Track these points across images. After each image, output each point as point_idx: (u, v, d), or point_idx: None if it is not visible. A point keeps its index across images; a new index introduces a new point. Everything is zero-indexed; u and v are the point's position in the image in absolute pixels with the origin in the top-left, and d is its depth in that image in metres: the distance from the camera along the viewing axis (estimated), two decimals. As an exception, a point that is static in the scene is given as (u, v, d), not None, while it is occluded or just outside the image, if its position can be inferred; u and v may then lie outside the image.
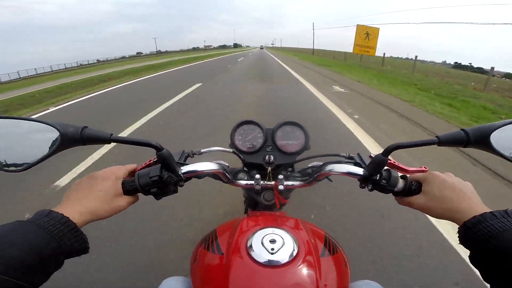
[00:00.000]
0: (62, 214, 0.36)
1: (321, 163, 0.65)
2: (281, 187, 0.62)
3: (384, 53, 17.09)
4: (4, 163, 0.39)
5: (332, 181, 0.66)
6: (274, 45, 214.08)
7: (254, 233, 0.48)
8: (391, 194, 0.51)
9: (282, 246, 0.45)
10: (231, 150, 0.68)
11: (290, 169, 0.71)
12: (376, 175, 0.50)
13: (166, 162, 0.47)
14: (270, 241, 0.46)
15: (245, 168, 0.71)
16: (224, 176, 0.60)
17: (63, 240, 0.34)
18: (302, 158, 0.69)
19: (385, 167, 0.51)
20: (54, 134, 0.39)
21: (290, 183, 0.65)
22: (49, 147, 0.39)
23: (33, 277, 0.31)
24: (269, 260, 0.43)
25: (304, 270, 0.43)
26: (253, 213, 0.72)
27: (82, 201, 0.41)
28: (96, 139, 0.41)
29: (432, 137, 0.45)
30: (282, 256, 0.43)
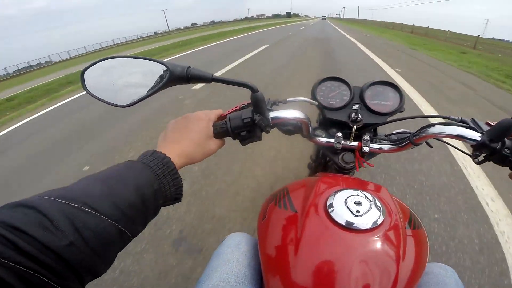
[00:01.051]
0: (164, 154, 0.39)
1: (408, 131, 0.60)
2: (366, 148, 0.60)
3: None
4: (117, 99, 0.46)
5: (432, 147, 0.61)
6: (339, 16, 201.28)
7: (336, 192, 0.48)
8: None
9: (368, 211, 0.44)
10: (316, 102, 0.67)
11: (373, 132, 0.67)
12: (498, 142, 0.45)
13: (258, 105, 0.50)
14: (355, 203, 0.45)
15: (321, 126, 0.70)
16: (307, 128, 0.60)
17: (163, 182, 0.37)
18: (397, 118, 0.63)
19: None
20: (162, 72, 0.44)
21: (376, 146, 0.62)
22: (158, 83, 0.44)
23: (135, 223, 0.33)
24: (351, 223, 0.42)
25: (387, 241, 0.42)
26: (325, 175, 0.67)
27: (179, 143, 0.45)
28: (199, 78, 0.44)
29: None
30: (366, 221, 0.42)
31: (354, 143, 0.63)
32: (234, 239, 0.58)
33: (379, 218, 0.43)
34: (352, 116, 0.63)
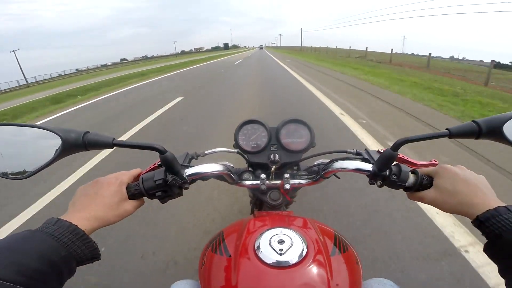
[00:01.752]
0: (70, 222, 0.40)
1: (326, 161, 0.69)
2: (287, 186, 0.67)
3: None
4: (7, 171, 0.44)
5: (339, 178, 0.71)
6: (275, 45, 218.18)
7: (261, 234, 0.52)
8: (401, 189, 0.55)
9: (290, 246, 0.49)
10: (235, 150, 0.74)
11: (295, 167, 0.76)
12: (386, 170, 0.54)
13: (170, 165, 0.52)
14: (278, 242, 0.50)
15: (250, 168, 0.76)
16: (229, 177, 0.65)
17: (72, 247, 0.38)
18: (308, 156, 0.73)
19: (395, 162, 0.55)
20: (56, 140, 0.43)
21: (296, 181, 0.70)
22: (52, 154, 0.43)
23: (47, 284, 0.34)
24: (277, 261, 0.47)
25: (314, 270, 0.47)
26: (259, 214, 0.77)
27: (89, 208, 0.46)
28: (98, 144, 0.45)
29: (442, 130, 0.48)
30: (291, 257, 0.47)
31: (277, 182, 0.70)
32: (179, 287, 0.60)
33: (303, 250, 0.48)
34: (271, 157, 0.70)
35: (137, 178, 0.55)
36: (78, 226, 0.40)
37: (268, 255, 0.48)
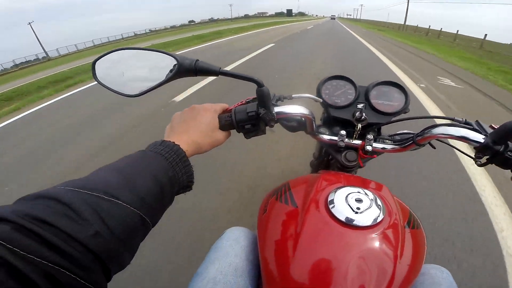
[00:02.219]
0: (173, 142, 0.43)
1: (412, 132, 0.65)
2: (369, 147, 0.65)
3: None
4: (126, 89, 0.52)
5: (435, 148, 0.65)
6: (350, 17, 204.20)
7: (337, 189, 0.52)
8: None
9: (368, 208, 0.48)
10: (320, 99, 0.72)
11: (376, 132, 0.72)
12: (501, 145, 0.49)
13: (263, 99, 0.55)
14: (356, 200, 0.49)
15: (324, 124, 0.75)
16: (311, 124, 0.66)
17: (176, 169, 0.40)
18: (402, 118, 0.69)
19: None
20: (172, 63, 0.49)
21: (380, 145, 0.67)
22: (166, 75, 0.49)
23: (155, 211, 0.36)
24: (351, 219, 0.46)
25: (386, 238, 0.46)
26: (327, 172, 0.73)
27: (187, 132, 0.49)
28: (207, 71, 0.49)
29: None
30: (366, 218, 0.47)
31: (358, 142, 0.68)
32: (233, 233, 0.63)
33: (379, 216, 0.47)
34: (357, 114, 0.68)
35: (226, 111, 0.59)
36: (181, 147, 0.43)
37: (342, 211, 0.48)
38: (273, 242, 0.52)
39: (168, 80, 0.49)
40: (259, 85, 0.53)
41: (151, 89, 0.50)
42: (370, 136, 0.66)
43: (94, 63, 0.52)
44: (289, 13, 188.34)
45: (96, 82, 0.53)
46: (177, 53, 0.52)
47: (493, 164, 0.51)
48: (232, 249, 0.58)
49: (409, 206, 0.61)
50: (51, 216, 0.26)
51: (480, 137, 0.51)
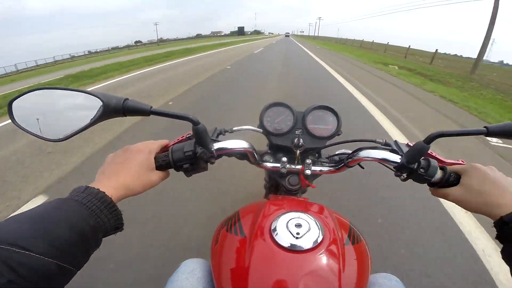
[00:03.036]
0: (98, 189, 0.44)
1: (349, 151, 0.75)
2: (308, 171, 0.74)
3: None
4: (48, 133, 0.51)
5: (364, 168, 0.76)
6: (304, 34, 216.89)
7: (279, 217, 0.58)
8: (425, 184, 0.60)
9: (307, 232, 0.54)
10: (261, 130, 0.80)
11: (316, 155, 0.82)
12: (414, 163, 0.59)
13: (200, 137, 0.58)
14: (295, 225, 0.55)
15: (270, 151, 0.83)
16: (252, 156, 0.72)
17: (100, 216, 0.41)
18: (334, 142, 0.79)
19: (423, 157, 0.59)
20: (97, 104, 0.49)
21: (318, 168, 0.76)
22: (91, 117, 0.49)
23: (76, 258, 0.37)
24: (293, 244, 0.52)
25: (328, 258, 0.52)
26: (275, 197, 0.83)
27: (117, 175, 0.50)
28: (136, 111, 0.51)
29: (480, 128, 0.52)
30: (307, 242, 0.52)
31: (298, 167, 0.76)
32: (188, 266, 0.65)
33: (318, 236, 0.53)
34: (295, 141, 0.76)
35: (164, 149, 0.61)
36: (106, 194, 0.44)
37: (284, 237, 0.53)
38: (227, 272, 0.56)
39: (93, 122, 0.50)
40: (194, 123, 0.56)
41: (76, 133, 0.50)
42: (308, 161, 0.75)
43: (10, 103, 0.50)
44: (241, 31, 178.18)
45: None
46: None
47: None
48: (187, 282, 0.60)
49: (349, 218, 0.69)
50: None
51: (397, 158, 0.62)
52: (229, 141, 0.65)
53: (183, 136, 0.65)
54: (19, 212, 0.38)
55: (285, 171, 0.76)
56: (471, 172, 0.53)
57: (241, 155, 0.73)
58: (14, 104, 0.51)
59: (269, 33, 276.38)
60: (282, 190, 0.84)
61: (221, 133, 0.72)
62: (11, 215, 0.37)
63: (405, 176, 0.62)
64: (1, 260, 0.30)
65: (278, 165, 0.77)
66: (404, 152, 0.62)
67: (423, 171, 0.58)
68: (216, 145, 0.63)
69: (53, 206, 0.39)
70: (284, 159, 0.76)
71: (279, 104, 0.83)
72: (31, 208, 0.39)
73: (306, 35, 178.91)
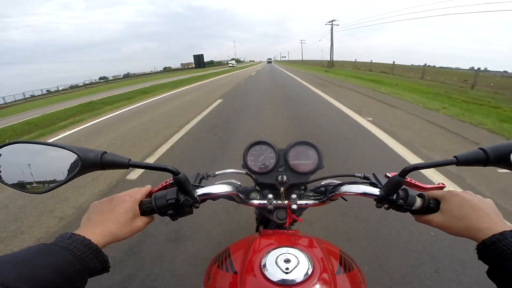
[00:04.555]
0: (84, 236, 0.50)
1: (334, 182, 0.85)
2: (294, 206, 0.82)
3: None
4: (27, 186, 0.58)
5: (347, 200, 0.86)
6: (285, 59, 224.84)
7: (268, 252, 0.64)
8: (408, 212, 0.68)
9: (296, 266, 0.60)
10: (244, 171, 0.90)
11: (302, 187, 0.91)
12: (393, 195, 0.68)
13: (182, 186, 0.66)
14: (284, 261, 0.61)
15: (257, 188, 0.92)
16: (238, 197, 0.81)
17: (85, 261, 0.47)
18: (315, 178, 0.89)
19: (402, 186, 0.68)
20: (74, 159, 0.56)
21: (303, 202, 0.86)
22: (69, 172, 0.56)
23: None
24: (283, 279, 0.57)
25: None
26: (265, 232, 0.94)
27: (103, 223, 0.57)
28: (115, 164, 0.58)
29: (450, 158, 0.60)
30: (297, 275, 0.58)
31: (285, 202, 0.85)
32: None
33: (308, 269, 0.59)
34: (279, 178, 0.85)
35: (149, 195, 0.69)
36: (92, 241, 0.50)
37: (274, 273, 0.59)
38: None
39: (72, 177, 0.56)
40: (174, 173, 0.64)
41: (56, 186, 0.57)
42: (294, 196, 0.84)
43: None
44: (199, 62, 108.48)
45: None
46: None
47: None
48: None
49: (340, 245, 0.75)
50: None
51: (376, 191, 0.71)
52: (212, 186, 0.74)
53: (167, 182, 0.73)
54: (3, 255, 0.42)
55: (272, 208, 0.84)
56: (449, 198, 0.61)
57: (227, 197, 0.80)
58: None
59: (250, 61, 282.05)
60: (272, 224, 0.92)
61: (204, 178, 0.81)
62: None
63: (387, 207, 0.70)
64: None
65: (265, 201, 0.85)
66: (383, 184, 0.71)
67: (402, 201, 0.67)
68: (200, 191, 0.71)
69: (36, 252, 0.44)
70: (270, 195, 0.84)
71: (261, 143, 0.93)
72: (14, 252, 0.43)
73: (287, 60, 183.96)
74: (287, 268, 0.59)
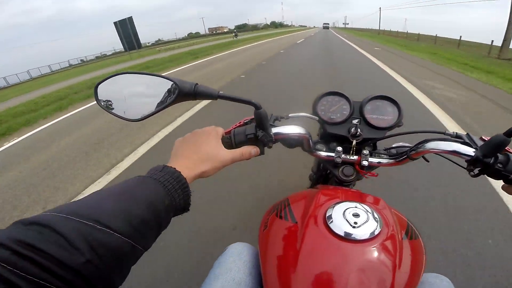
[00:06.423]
0: (174, 168, 0.53)
1: (408, 144, 0.82)
2: (365, 162, 0.82)
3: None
4: (127, 113, 0.65)
5: (428, 161, 0.81)
6: (347, 26, 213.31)
7: (335, 205, 0.66)
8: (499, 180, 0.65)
9: (365, 222, 0.61)
10: (316, 118, 0.90)
11: (372, 146, 0.90)
12: (491, 157, 0.63)
13: (261, 121, 0.70)
14: (353, 215, 0.62)
15: (321, 140, 0.93)
16: (308, 142, 0.82)
17: (174, 196, 0.50)
18: (395, 133, 0.86)
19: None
20: (170, 88, 0.62)
21: (375, 160, 0.84)
22: (164, 100, 0.62)
23: (148, 238, 0.45)
24: (349, 233, 0.58)
25: (384, 250, 0.58)
26: (325, 187, 0.93)
27: (189, 157, 0.60)
28: (206, 95, 0.62)
29: None
30: (364, 232, 0.58)
31: (354, 157, 0.85)
32: (235, 248, 0.77)
33: (376, 229, 0.60)
34: (352, 130, 0.85)
35: (228, 132, 0.73)
36: (182, 174, 0.53)
37: (340, 226, 0.60)
38: (274, 257, 0.65)
39: (168, 104, 0.62)
40: (257, 107, 0.68)
41: (152, 113, 0.63)
42: (366, 152, 0.83)
43: (96, 87, 0.65)
44: (126, 36, 26.60)
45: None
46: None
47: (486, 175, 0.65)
48: (234, 265, 0.71)
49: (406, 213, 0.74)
50: (44, 243, 0.34)
51: (470, 151, 0.66)
52: (287, 126, 0.76)
53: (241, 122, 0.77)
54: (102, 189, 0.46)
55: (339, 161, 0.84)
56: None
57: (296, 141, 0.82)
58: (99, 87, 0.65)
59: (299, 25, 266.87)
60: (334, 181, 0.92)
61: (277, 119, 0.82)
62: (94, 191, 0.45)
63: (478, 172, 0.66)
64: (83, 236, 0.36)
65: (333, 154, 0.86)
66: (478, 145, 0.66)
67: (501, 166, 0.62)
68: (275, 130, 0.74)
69: (134, 183, 0.48)
70: (339, 148, 0.85)
71: (334, 93, 0.93)
72: (114, 184, 0.47)
73: (350, 27, 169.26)
74: (355, 223, 0.60)
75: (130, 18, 25.29)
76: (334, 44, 21.06)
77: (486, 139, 0.67)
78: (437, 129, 0.78)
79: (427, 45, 20.08)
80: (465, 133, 0.74)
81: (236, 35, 45.38)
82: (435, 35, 25.53)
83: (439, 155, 0.75)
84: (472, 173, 0.68)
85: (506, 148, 0.64)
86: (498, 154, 0.63)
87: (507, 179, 0.64)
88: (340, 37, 33.25)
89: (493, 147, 0.63)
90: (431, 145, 0.72)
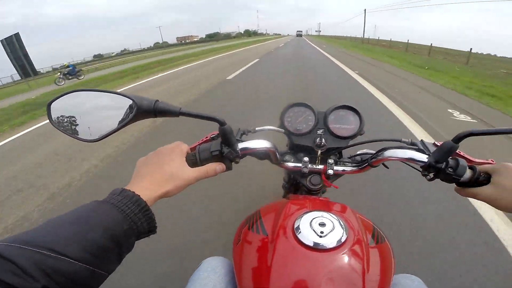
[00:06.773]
0: (133, 192, 0.51)
1: (371, 151, 0.85)
2: (330, 171, 0.85)
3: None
4: (81, 133, 0.62)
5: (388, 168, 0.86)
6: (320, 33, 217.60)
7: (302, 215, 0.67)
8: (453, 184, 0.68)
9: (331, 231, 0.63)
10: (282, 130, 0.92)
11: (337, 155, 0.93)
12: (443, 162, 0.67)
13: (226, 137, 0.69)
14: (319, 224, 0.64)
15: (290, 151, 0.95)
16: (274, 156, 0.83)
17: (133, 220, 0.49)
18: (357, 142, 0.91)
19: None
20: (128, 105, 0.59)
21: (340, 168, 0.88)
22: (123, 119, 0.60)
23: (108, 262, 0.44)
24: (316, 243, 0.60)
25: (352, 257, 0.59)
26: (296, 197, 0.97)
27: (151, 177, 0.58)
28: (166, 112, 0.61)
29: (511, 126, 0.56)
30: (331, 240, 0.61)
31: (320, 166, 0.88)
32: (210, 263, 0.76)
33: (342, 236, 0.62)
34: (317, 141, 0.88)
35: (193, 148, 0.72)
36: (141, 197, 0.51)
37: (308, 236, 0.62)
38: (248, 271, 0.66)
39: (127, 123, 0.60)
40: (221, 124, 0.67)
41: (110, 133, 0.61)
42: (331, 161, 0.87)
43: (49, 104, 0.61)
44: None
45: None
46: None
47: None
48: (209, 280, 0.70)
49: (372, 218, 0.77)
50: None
51: (424, 157, 0.71)
52: (253, 141, 0.76)
53: (207, 137, 0.76)
54: (58, 216, 0.45)
55: (306, 171, 0.87)
56: (503, 171, 0.61)
57: (263, 155, 0.83)
58: (52, 105, 0.62)
59: (274, 34, 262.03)
60: (303, 190, 0.96)
61: (244, 133, 0.83)
62: (49, 219, 0.44)
63: (432, 176, 0.70)
64: (37, 264, 0.36)
65: (300, 165, 0.88)
66: (431, 151, 0.70)
67: (451, 170, 0.66)
68: (241, 145, 0.74)
69: (89, 209, 0.47)
70: (306, 158, 0.88)
71: (299, 104, 0.95)
72: (71, 210, 0.47)
73: (323, 35, 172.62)
74: (321, 232, 0.62)
75: (17, 35, 20.48)
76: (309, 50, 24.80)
77: (439, 144, 0.70)
78: (394, 137, 0.84)
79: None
80: (420, 139, 0.79)
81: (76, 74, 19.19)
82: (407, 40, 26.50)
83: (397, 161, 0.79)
84: (428, 177, 0.71)
85: (457, 151, 0.69)
86: (448, 159, 0.67)
87: (458, 182, 0.67)
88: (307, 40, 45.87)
89: (444, 153, 0.67)
90: (389, 153, 0.76)
